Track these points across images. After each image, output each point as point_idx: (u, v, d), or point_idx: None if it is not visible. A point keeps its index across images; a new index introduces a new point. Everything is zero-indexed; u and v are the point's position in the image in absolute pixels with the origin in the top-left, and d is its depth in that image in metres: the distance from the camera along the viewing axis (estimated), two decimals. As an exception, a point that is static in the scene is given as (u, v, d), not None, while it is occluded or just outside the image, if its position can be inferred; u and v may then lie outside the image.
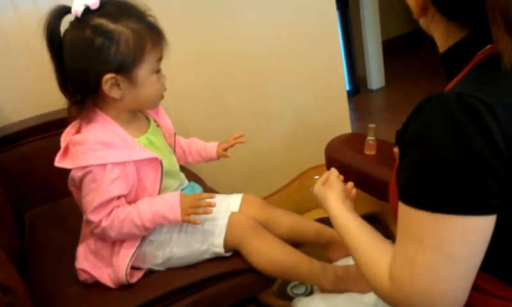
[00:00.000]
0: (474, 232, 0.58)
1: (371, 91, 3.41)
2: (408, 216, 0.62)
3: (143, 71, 1.01)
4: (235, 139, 1.29)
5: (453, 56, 0.70)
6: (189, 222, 1.04)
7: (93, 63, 0.97)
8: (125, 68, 0.99)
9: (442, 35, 0.71)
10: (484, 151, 0.57)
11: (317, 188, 0.96)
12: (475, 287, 0.63)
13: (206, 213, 1.04)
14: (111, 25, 0.97)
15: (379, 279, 0.66)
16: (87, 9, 0.97)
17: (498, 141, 0.57)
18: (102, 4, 0.98)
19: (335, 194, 0.91)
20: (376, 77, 3.38)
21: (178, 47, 1.73)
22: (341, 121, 2.24)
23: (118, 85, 1.00)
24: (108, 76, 0.98)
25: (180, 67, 1.73)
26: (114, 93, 1.01)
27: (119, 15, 0.98)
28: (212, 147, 1.30)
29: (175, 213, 1.02)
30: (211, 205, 1.04)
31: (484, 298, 0.67)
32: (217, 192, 1.29)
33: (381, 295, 0.67)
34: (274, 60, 2.00)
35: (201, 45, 1.82)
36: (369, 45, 3.27)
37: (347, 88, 3.05)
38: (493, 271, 0.66)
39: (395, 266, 0.63)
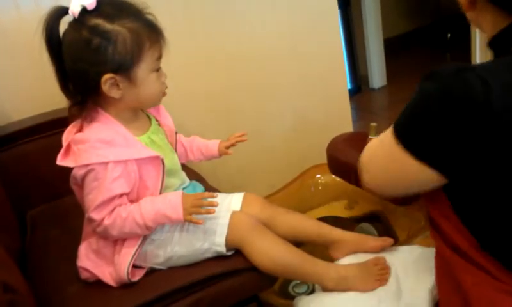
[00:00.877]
0: (417, 173, 0.73)
1: (373, 89, 3.41)
2: (387, 132, 0.78)
3: (142, 71, 1.01)
4: (237, 137, 1.29)
5: (499, 41, 0.76)
6: (191, 221, 1.04)
7: (92, 64, 0.97)
8: (124, 68, 0.99)
9: (490, 23, 0.78)
10: (460, 118, 0.65)
11: None
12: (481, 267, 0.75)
13: (208, 213, 1.04)
14: (107, 25, 0.97)
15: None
16: (84, 10, 0.97)
17: (477, 114, 0.64)
18: (98, 4, 0.98)
19: None
20: (377, 75, 3.38)
21: (179, 46, 1.73)
22: (343, 120, 2.24)
23: (118, 85, 1.00)
24: (107, 76, 0.98)
25: (181, 67, 1.73)
26: (114, 93, 1.01)
27: (116, 15, 0.98)
28: (213, 145, 1.30)
29: (177, 213, 1.02)
30: (213, 205, 1.04)
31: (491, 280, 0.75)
32: (218, 191, 1.29)
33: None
34: (275, 59, 2.00)
35: (202, 44, 1.82)
36: (371, 44, 3.27)
37: (349, 87, 3.05)
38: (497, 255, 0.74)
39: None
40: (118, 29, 0.97)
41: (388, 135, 0.77)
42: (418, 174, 0.73)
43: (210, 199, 1.05)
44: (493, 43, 0.78)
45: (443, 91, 0.67)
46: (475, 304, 0.75)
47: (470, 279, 0.77)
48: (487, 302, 0.74)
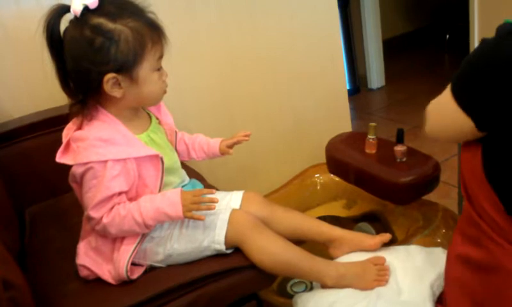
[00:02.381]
0: (457, 118, 0.78)
1: (371, 90, 3.42)
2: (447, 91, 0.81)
3: (144, 70, 1.01)
4: (240, 136, 1.27)
5: None
6: (192, 218, 1.04)
7: (94, 63, 0.97)
8: (126, 68, 0.99)
9: None
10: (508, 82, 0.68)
11: None
12: None
13: (209, 209, 1.04)
14: (110, 25, 0.96)
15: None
16: (86, 9, 0.97)
17: None
18: (101, 3, 0.97)
19: None
20: (376, 76, 3.39)
21: (180, 46, 1.73)
22: (341, 120, 2.24)
23: (119, 84, 1.00)
24: (109, 76, 0.98)
25: (181, 66, 1.74)
26: (116, 92, 1.01)
27: (118, 14, 0.97)
28: (215, 143, 1.29)
29: (177, 210, 1.02)
30: (214, 201, 1.04)
31: None
32: (218, 190, 1.29)
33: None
34: (275, 58, 2.00)
35: (202, 44, 1.82)
36: (370, 45, 3.27)
37: (348, 87, 3.05)
38: None
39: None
40: (120, 28, 0.97)
41: (449, 86, 0.81)
42: (459, 121, 0.78)
43: (209, 196, 1.05)
44: None
45: (493, 47, 0.71)
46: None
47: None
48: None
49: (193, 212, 1.03)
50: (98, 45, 0.96)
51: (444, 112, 0.83)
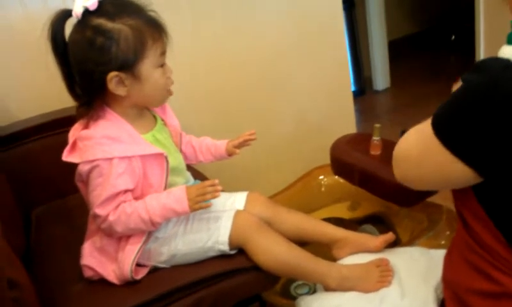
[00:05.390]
0: (453, 171, 0.70)
1: (376, 92, 3.41)
2: (428, 121, 0.73)
3: (146, 66, 1.02)
4: (246, 136, 1.27)
5: None
6: (200, 208, 1.04)
7: (96, 63, 0.98)
8: (128, 65, 1.00)
9: None
10: (504, 119, 0.61)
11: None
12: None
13: (214, 197, 1.04)
14: (109, 24, 0.98)
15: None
16: (86, 11, 0.99)
17: None
18: (100, 4, 0.99)
19: None
20: (381, 78, 3.38)
21: (183, 46, 1.74)
22: (346, 122, 2.24)
23: (123, 82, 1.01)
24: (112, 74, 0.99)
25: (185, 67, 1.74)
26: (120, 91, 1.02)
27: (117, 13, 0.99)
28: (222, 144, 1.30)
29: (183, 205, 1.03)
30: (217, 190, 1.04)
31: None
32: (222, 191, 1.30)
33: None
34: (280, 60, 2.00)
35: (206, 45, 1.83)
36: (375, 46, 3.27)
37: (353, 89, 3.05)
38: None
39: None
40: (119, 27, 0.98)
41: (425, 129, 0.72)
42: (453, 171, 0.70)
43: (212, 187, 1.05)
44: None
45: (489, 85, 0.63)
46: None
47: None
48: None
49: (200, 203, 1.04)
50: (99, 45, 0.98)
51: (428, 161, 0.74)
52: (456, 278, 0.84)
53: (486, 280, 0.76)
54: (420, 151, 0.75)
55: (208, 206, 1.06)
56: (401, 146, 0.80)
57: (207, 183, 1.05)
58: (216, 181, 1.06)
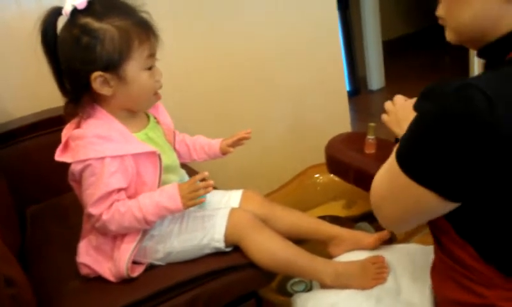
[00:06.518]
0: (425, 202, 0.69)
1: (371, 91, 3.42)
2: (393, 158, 0.72)
3: (132, 68, 1.02)
4: (240, 134, 1.27)
5: (501, 45, 0.72)
6: (194, 205, 1.05)
7: (81, 62, 0.99)
8: (113, 65, 1.00)
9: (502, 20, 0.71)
10: (465, 142, 0.60)
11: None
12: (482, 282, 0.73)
13: (206, 192, 1.04)
14: (95, 24, 0.98)
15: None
16: (75, 9, 0.99)
17: (482, 137, 0.59)
18: (89, 4, 1.00)
19: None
20: (376, 77, 3.39)
21: (179, 46, 1.74)
22: (341, 121, 2.25)
23: (108, 82, 1.01)
24: (96, 74, 0.99)
25: (180, 67, 1.74)
26: (105, 91, 1.02)
27: (105, 13, 0.99)
28: (216, 143, 1.30)
29: (176, 202, 1.03)
30: (209, 184, 1.04)
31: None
32: (217, 188, 1.30)
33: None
34: (275, 60, 2.01)
35: (201, 45, 1.83)
36: (370, 46, 3.28)
37: (347, 88, 3.05)
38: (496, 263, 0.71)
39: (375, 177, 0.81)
40: (105, 27, 0.99)
41: (392, 166, 0.72)
42: (428, 202, 0.68)
43: (203, 182, 1.04)
44: (492, 49, 0.72)
45: (444, 112, 0.62)
46: None
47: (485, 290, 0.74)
48: None
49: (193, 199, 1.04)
50: (84, 44, 0.98)
51: (403, 198, 0.72)
52: (441, 291, 0.84)
53: (470, 294, 0.77)
54: (393, 189, 0.73)
55: (202, 202, 1.06)
56: (375, 190, 0.80)
57: (197, 177, 1.04)
58: (206, 173, 1.05)
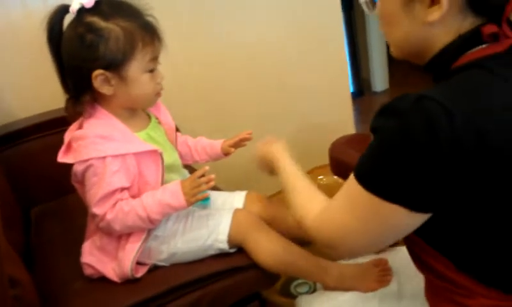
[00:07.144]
0: (395, 219, 0.67)
1: (375, 93, 3.42)
2: (351, 184, 0.71)
3: (134, 69, 1.03)
4: (241, 135, 1.28)
5: (445, 56, 0.72)
6: (197, 200, 1.04)
7: (84, 60, 1.00)
8: (115, 65, 1.01)
9: (445, 34, 0.72)
10: (428, 155, 0.60)
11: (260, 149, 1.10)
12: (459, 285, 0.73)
13: (209, 187, 1.04)
14: (101, 23, 0.99)
15: (305, 219, 0.84)
16: (82, 8, 1.00)
17: (445, 148, 0.59)
18: (97, 3, 1.00)
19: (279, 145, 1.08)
20: (379, 79, 3.39)
21: (182, 47, 1.74)
22: (345, 123, 2.25)
23: (109, 81, 1.02)
24: (97, 72, 1.00)
25: (183, 67, 1.75)
26: (106, 90, 1.03)
27: (112, 14, 1.00)
28: (218, 143, 1.31)
29: (179, 200, 1.03)
30: (211, 179, 1.03)
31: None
32: (220, 190, 1.30)
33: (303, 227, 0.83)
34: (279, 61, 2.01)
35: (205, 45, 1.83)
36: (373, 47, 3.27)
37: (351, 90, 3.06)
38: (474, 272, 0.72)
39: (321, 214, 0.80)
40: (111, 27, 0.99)
41: (351, 194, 0.71)
42: (397, 219, 0.67)
43: (205, 178, 1.03)
44: (435, 63, 0.73)
45: (404, 126, 0.62)
46: None
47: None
48: None
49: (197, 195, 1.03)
50: (88, 42, 0.99)
51: (373, 221, 0.69)
52: (433, 304, 0.84)
53: (451, 304, 0.77)
54: (358, 215, 0.71)
55: (205, 197, 1.06)
56: (330, 226, 0.77)
57: (198, 173, 1.04)
58: (206, 168, 1.05)
